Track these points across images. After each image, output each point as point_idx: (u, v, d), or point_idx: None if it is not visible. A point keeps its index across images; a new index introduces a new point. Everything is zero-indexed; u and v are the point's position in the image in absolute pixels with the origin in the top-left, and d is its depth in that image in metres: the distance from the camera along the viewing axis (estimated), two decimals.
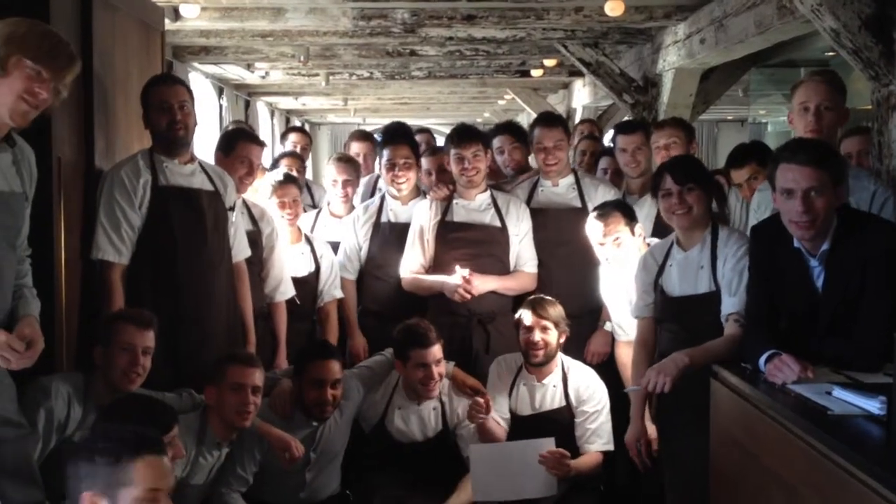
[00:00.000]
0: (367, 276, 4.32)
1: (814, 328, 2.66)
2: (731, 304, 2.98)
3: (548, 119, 4.38)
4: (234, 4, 5.38)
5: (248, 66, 8.24)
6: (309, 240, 4.29)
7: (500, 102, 12.45)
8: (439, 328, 3.68)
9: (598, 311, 4.02)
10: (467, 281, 3.87)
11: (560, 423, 3.66)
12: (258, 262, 3.94)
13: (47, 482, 2.63)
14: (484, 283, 3.94)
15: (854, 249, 2.59)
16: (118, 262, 3.36)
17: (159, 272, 3.42)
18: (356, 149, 5.40)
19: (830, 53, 6.20)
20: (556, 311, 3.66)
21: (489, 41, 6.70)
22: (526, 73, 8.75)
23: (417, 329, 3.61)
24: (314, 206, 5.15)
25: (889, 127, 3.31)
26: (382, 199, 4.38)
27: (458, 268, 3.91)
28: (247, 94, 10.35)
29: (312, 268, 4.22)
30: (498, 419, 3.65)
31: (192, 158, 3.59)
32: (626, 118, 6.76)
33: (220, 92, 9.06)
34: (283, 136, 6.43)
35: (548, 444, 3.45)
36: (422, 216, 4.13)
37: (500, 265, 4.05)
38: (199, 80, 8.21)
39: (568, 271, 4.04)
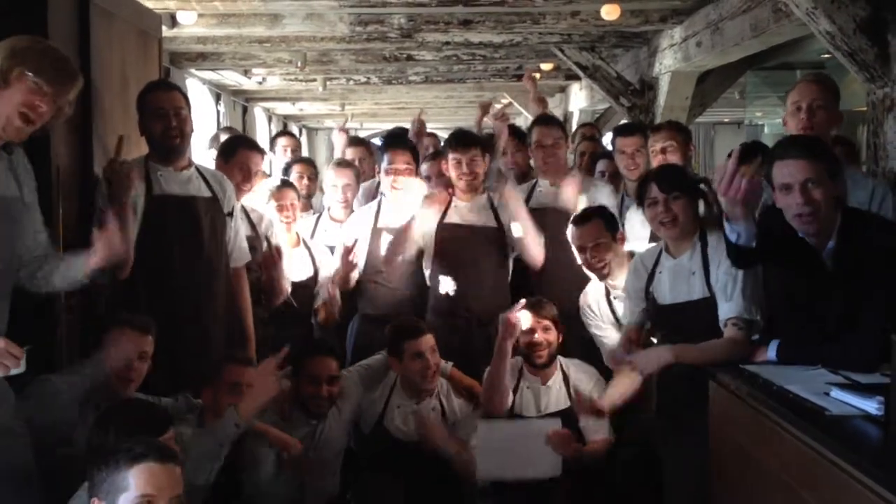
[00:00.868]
0: (365, 281, 4.32)
1: (818, 325, 2.66)
2: (728, 308, 2.97)
3: (546, 119, 4.46)
4: (231, 11, 5.38)
5: (246, 72, 8.26)
6: (307, 245, 4.30)
7: (497, 106, 12.41)
8: (438, 330, 3.70)
9: None
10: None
11: (566, 425, 3.64)
12: (257, 267, 3.93)
13: (46, 484, 2.63)
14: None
15: (860, 247, 2.58)
16: None
17: (156, 279, 3.41)
18: (351, 154, 5.41)
19: (826, 56, 6.21)
20: (553, 310, 3.69)
21: (486, 45, 6.72)
22: (522, 77, 8.76)
23: (406, 322, 3.70)
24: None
25: (885, 129, 3.33)
26: (380, 203, 4.38)
27: (448, 280, 3.96)
28: (244, 100, 10.36)
29: (311, 272, 4.24)
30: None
31: (189, 164, 3.57)
32: (622, 121, 6.78)
33: (218, 98, 9.07)
34: (273, 143, 6.31)
35: (554, 424, 3.48)
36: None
37: (499, 266, 4.06)
38: (197, 87, 8.23)
39: (567, 271, 4.04)
